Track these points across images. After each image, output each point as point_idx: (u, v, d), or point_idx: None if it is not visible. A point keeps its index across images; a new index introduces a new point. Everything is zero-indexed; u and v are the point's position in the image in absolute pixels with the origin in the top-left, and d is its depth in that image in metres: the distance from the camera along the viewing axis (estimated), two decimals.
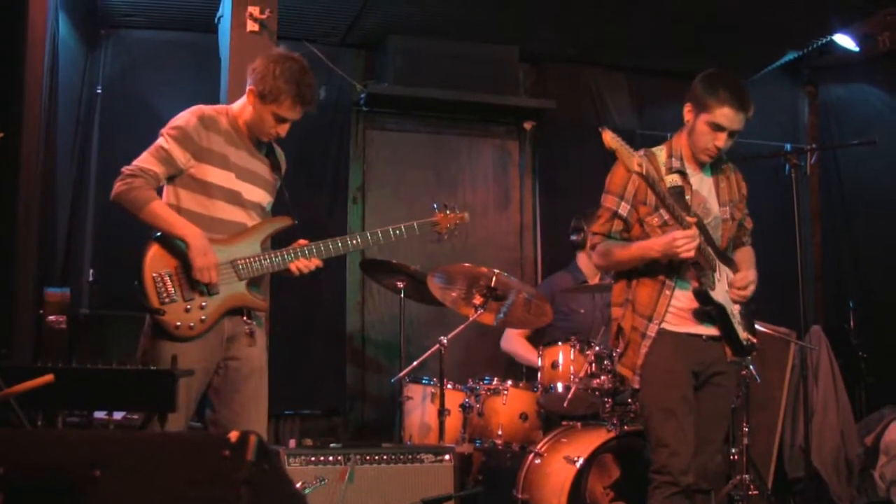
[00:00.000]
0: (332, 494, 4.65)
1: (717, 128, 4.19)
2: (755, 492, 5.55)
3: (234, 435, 1.70)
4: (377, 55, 7.42)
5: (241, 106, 4.19)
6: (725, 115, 4.16)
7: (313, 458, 4.71)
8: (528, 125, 7.86)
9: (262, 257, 4.11)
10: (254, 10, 5.29)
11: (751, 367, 5.42)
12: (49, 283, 5.61)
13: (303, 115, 4.17)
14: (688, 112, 4.30)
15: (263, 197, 4.26)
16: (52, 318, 5.24)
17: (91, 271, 6.46)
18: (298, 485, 4.58)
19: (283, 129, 4.16)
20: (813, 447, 6.38)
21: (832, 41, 7.40)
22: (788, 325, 6.25)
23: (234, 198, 4.12)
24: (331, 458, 4.73)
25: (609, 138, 3.84)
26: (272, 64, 4.08)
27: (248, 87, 4.13)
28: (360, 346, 7.37)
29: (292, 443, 4.99)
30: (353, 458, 4.76)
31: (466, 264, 5.74)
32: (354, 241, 4.31)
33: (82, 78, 6.58)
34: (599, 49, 7.67)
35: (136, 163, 3.99)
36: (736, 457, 5.59)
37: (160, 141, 4.03)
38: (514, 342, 6.46)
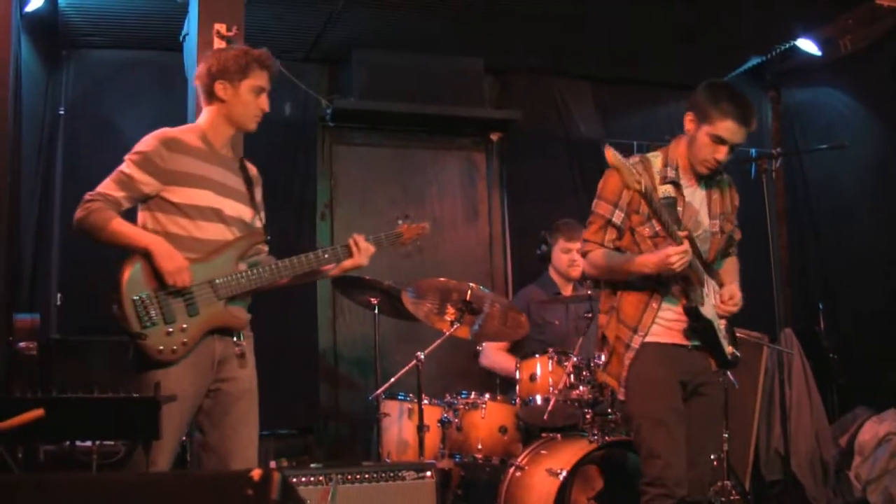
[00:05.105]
0: None
1: (718, 140, 4.11)
2: (737, 497, 5.55)
3: (256, 473, 1.64)
4: (342, 70, 7.37)
5: (208, 119, 4.12)
6: (728, 128, 4.08)
7: (294, 480, 4.61)
8: (494, 136, 7.85)
9: (240, 275, 4.00)
10: (221, 27, 5.22)
11: (728, 373, 5.42)
12: (17, 309, 5.51)
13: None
14: (689, 122, 4.20)
15: (245, 212, 4.15)
16: (22, 344, 5.16)
17: (59, 295, 6.35)
18: None
19: (264, 102, 4.14)
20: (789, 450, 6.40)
21: (795, 46, 7.46)
22: (759, 329, 6.27)
23: (216, 215, 4.02)
24: (312, 478, 4.65)
25: (611, 156, 3.76)
26: (218, 53, 4.15)
27: (209, 90, 4.08)
28: (333, 363, 7.30)
29: (272, 465, 4.92)
30: (336, 477, 4.69)
31: (441, 279, 5.71)
32: (325, 256, 4.20)
33: (44, 100, 6.48)
34: (563, 59, 7.67)
35: (97, 189, 3.93)
36: (716, 462, 5.59)
37: (122, 166, 3.95)
38: (495, 356, 6.33)
